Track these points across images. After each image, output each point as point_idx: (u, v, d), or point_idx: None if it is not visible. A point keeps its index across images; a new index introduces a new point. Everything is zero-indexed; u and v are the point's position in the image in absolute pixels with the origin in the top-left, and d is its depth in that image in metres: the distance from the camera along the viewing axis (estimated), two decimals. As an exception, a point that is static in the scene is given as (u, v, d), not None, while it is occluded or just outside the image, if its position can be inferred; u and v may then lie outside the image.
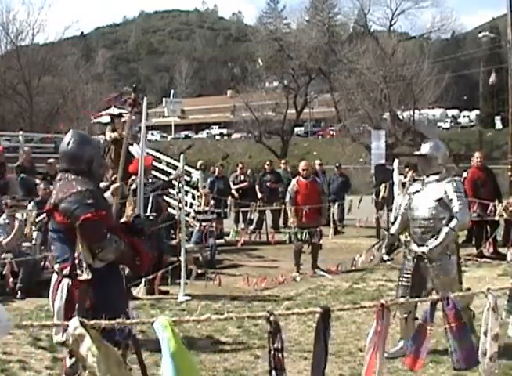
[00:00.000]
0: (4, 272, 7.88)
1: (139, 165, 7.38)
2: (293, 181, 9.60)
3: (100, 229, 3.56)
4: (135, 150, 8.12)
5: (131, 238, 3.77)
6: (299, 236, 9.14)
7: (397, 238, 5.73)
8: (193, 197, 12.89)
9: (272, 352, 2.56)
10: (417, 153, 5.53)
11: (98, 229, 3.56)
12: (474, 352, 3.21)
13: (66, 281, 3.59)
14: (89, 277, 3.54)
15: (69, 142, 3.84)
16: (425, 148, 5.41)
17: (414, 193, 5.46)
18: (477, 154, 11.35)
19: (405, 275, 5.33)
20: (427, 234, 5.20)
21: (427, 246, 5.15)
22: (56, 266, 3.70)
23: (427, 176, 5.41)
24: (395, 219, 5.99)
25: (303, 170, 9.44)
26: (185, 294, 7.62)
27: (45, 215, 3.83)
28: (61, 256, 3.67)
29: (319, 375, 2.72)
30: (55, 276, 3.70)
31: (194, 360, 2.39)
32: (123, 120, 12.03)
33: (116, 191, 4.37)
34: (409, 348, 3.13)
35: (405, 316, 5.24)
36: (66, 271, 3.59)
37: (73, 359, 3.55)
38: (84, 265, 3.53)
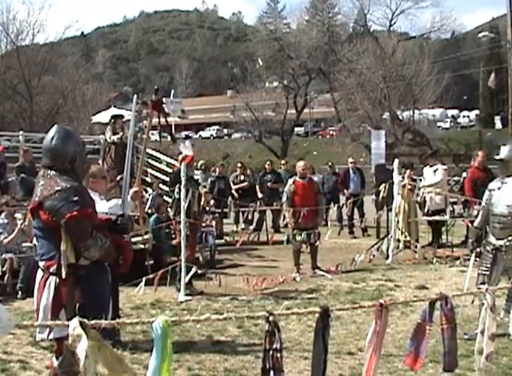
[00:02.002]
0: (4, 269, 7.88)
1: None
2: (290, 181, 9.54)
3: (86, 227, 3.54)
4: (181, 147, 8.31)
5: (116, 236, 3.75)
6: (297, 237, 9.13)
7: (481, 231, 6.03)
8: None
9: (271, 352, 2.56)
10: (496, 157, 5.84)
11: (83, 227, 3.53)
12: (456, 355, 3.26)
13: (53, 279, 3.58)
14: (64, 277, 3.51)
15: (52, 138, 3.75)
16: (503, 152, 5.72)
17: (493, 189, 5.75)
18: (480, 153, 11.35)
19: (484, 265, 5.71)
20: (506, 230, 5.54)
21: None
22: (42, 264, 3.67)
23: (507, 176, 5.69)
24: (478, 213, 6.35)
25: (302, 170, 9.41)
26: (186, 294, 7.63)
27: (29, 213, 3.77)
28: (47, 254, 3.64)
29: (319, 375, 2.72)
30: (40, 274, 3.68)
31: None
32: (124, 120, 12.08)
33: (136, 195, 4.35)
34: (408, 348, 3.14)
35: (483, 301, 5.33)
36: (52, 269, 3.58)
37: (60, 359, 3.57)
38: (63, 263, 3.51)
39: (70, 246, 3.52)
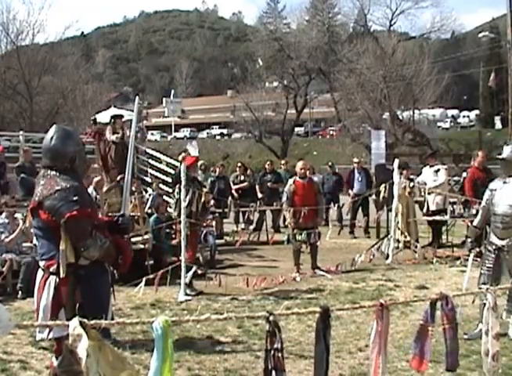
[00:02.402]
0: (3, 270, 7.88)
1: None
2: (290, 181, 9.54)
3: (85, 227, 3.55)
4: (188, 146, 8.48)
5: (116, 236, 3.76)
6: (297, 236, 9.13)
7: (480, 231, 6.07)
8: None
9: (272, 352, 2.56)
10: (499, 157, 5.83)
11: (83, 226, 3.54)
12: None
13: (53, 278, 3.59)
14: (63, 276, 3.52)
15: (52, 138, 3.77)
16: (506, 152, 5.72)
17: (495, 189, 5.75)
18: (480, 153, 11.35)
19: (486, 265, 5.72)
20: (508, 229, 5.56)
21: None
22: (42, 263, 3.68)
23: (509, 176, 5.69)
24: (477, 212, 6.37)
25: (301, 170, 9.42)
26: (186, 294, 7.63)
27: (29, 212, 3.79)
28: (47, 253, 3.65)
29: (321, 375, 2.72)
30: (40, 273, 3.69)
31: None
32: (123, 120, 12.10)
33: (98, 185, 4.39)
34: (413, 350, 3.14)
35: (484, 301, 5.35)
36: (53, 268, 3.59)
37: (60, 358, 3.58)
38: (62, 262, 3.52)
39: (70, 245, 3.53)
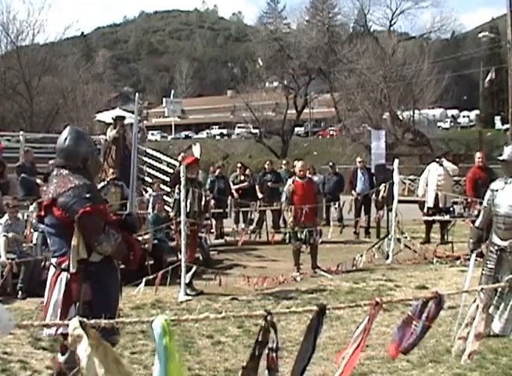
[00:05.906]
0: (4, 273, 7.89)
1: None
2: (289, 181, 9.57)
3: (98, 223, 3.63)
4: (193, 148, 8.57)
5: (125, 234, 3.82)
6: (298, 235, 9.14)
7: (482, 231, 6.00)
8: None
9: (267, 351, 2.55)
10: (499, 158, 5.81)
11: (96, 222, 3.62)
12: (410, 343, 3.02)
13: (64, 275, 3.64)
14: (74, 271, 3.58)
15: (66, 139, 3.88)
16: (506, 153, 5.70)
17: (496, 190, 5.72)
18: (478, 154, 11.36)
19: (488, 265, 5.70)
20: (510, 230, 5.52)
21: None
22: (54, 260, 3.74)
23: (510, 177, 5.67)
24: (479, 213, 6.33)
25: (300, 171, 9.44)
26: (186, 294, 7.63)
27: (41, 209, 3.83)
28: (59, 250, 3.72)
29: (299, 371, 2.68)
30: (52, 270, 3.74)
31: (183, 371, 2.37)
32: (126, 123, 12.13)
33: None
34: (394, 336, 3.12)
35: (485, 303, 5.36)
36: (64, 265, 3.64)
37: (66, 355, 3.61)
38: (73, 258, 3.57)
39: (82, 241, 3.60)
